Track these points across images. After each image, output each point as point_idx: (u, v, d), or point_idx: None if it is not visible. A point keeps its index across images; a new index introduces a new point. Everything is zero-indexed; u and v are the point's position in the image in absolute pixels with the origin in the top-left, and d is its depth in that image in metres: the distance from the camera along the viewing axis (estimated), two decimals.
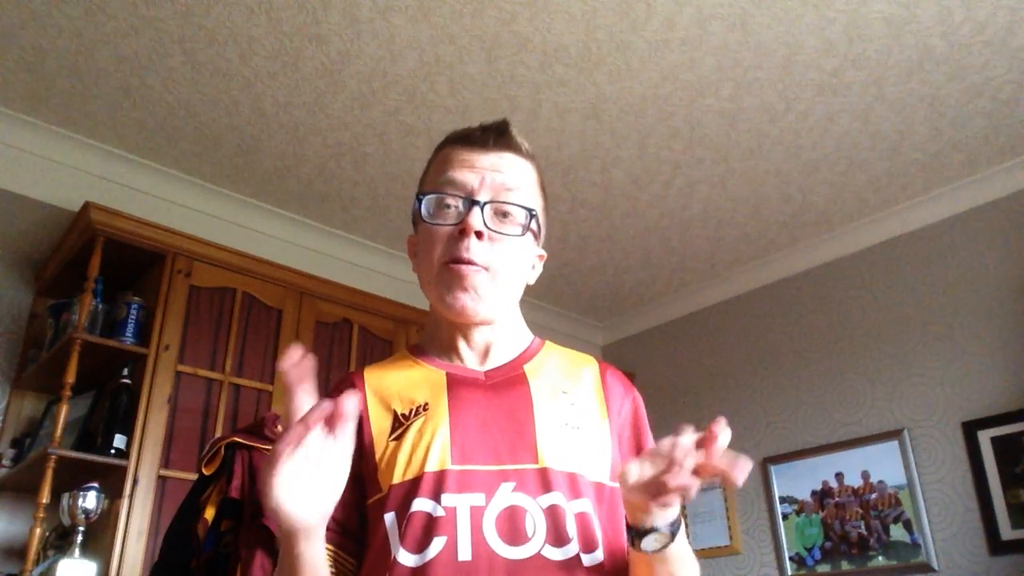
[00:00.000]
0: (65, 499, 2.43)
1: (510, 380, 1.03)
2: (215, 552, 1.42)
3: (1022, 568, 2.80)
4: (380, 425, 0.99)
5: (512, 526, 0.91)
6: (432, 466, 0.93)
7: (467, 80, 2.65)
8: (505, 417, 0.99)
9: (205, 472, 1.51)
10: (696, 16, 2.41)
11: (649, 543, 0.87)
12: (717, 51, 2.54)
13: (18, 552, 2.64)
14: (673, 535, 0.87)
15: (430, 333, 1.10)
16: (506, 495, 0.93)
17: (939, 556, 3.02)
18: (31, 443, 2.74)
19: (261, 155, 3.02)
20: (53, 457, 2.40)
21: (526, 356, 1.08)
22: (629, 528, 0.89)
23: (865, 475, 3.28)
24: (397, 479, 0.94)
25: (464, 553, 0.89)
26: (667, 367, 4.17)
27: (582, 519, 0.95)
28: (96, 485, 2.44)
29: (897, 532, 3.15)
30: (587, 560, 0.93)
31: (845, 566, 3.25)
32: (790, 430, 3.58)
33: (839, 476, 3.36)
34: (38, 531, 2.39)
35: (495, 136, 1.05)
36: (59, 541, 2.58)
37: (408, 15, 2.39)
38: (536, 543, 0.91)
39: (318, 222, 3.47)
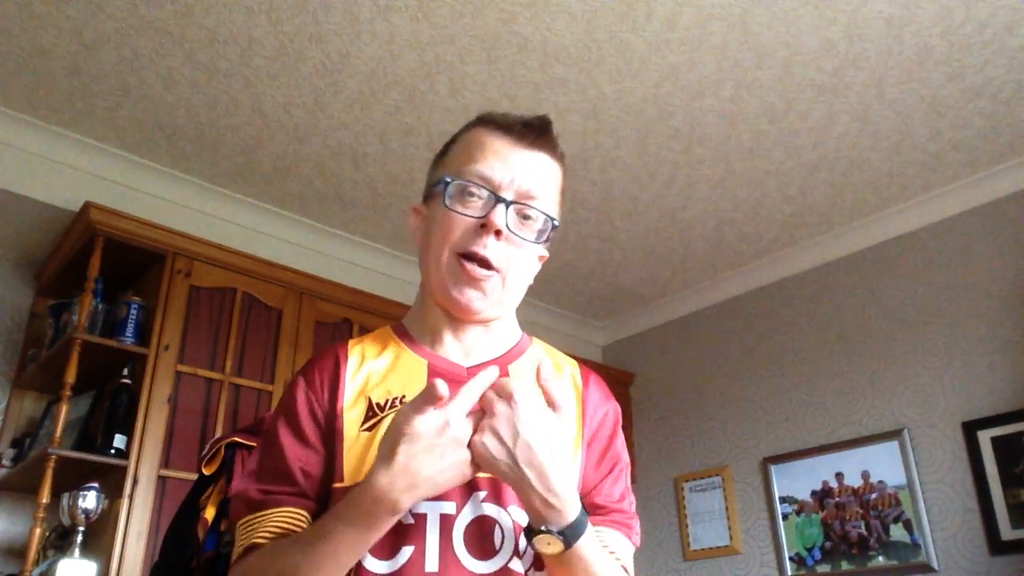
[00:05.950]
0: (65, 499, 2.43)
1: None
2: (215, 552, 1.42)
3: (1022, 568, 2.80)
4: (353, 410, 0.96)
5: (481, 538, 0.90)
6: None
7: (467, 80, 2.65)
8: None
9: (205, 472, 1.50)
10: (696, 16, 2.41)
11: (539, 544, 0.84)
12: (717, 51, 2.54)
13: (18, 552, 2.64)
14: (568, 542, 0.83)
15: (416, 315, 1.07)
16: (476, 505, 0.91)
17: (939, 556, 3.02)
18: (31, 443, 2.74)
19: (261, 155, 3.02)
20: (53, 457, 2.40)
21: (512, 355, 1.05)
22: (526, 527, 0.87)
23: (865, 475, 3.28)
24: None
25: (431, 564, 0.87)
26: (667, 367, 4.17)
27: None
28: (96, 485, 2.44)
29: (897, 532, 3.15)
30: None
31: (845, 566, 3.25)
32: (790, 430, 3.58)
33: (839, 476, 3.36)
34: (38, 531, 2.38)
35: (535, 135, 1.02)
36: (59, 541, 2.58)
37: (408, 15, 2.39)
38: (504, 556, 0.89)
39: (318, 222, 3.47)
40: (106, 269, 2.72)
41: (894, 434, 3.23)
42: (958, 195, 3.25)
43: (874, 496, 3.24)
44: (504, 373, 1.02)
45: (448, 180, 1.00)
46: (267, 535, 0.90)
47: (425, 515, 0.89)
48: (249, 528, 0.92)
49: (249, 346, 2.93)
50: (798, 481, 3.48)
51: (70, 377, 2.49)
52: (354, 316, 3.24)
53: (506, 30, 2.45)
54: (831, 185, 3.24)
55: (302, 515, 0.91)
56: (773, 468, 3.57)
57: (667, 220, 3.48)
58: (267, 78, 2.64)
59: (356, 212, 3.39)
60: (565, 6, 2.36)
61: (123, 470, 2.50)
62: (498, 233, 0.96)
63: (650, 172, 3.15)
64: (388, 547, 0.88)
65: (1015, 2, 2.37)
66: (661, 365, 4.20)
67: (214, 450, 1.51)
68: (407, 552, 0.88)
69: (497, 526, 0.91)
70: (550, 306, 4.25)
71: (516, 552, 0.90)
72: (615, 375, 4.19)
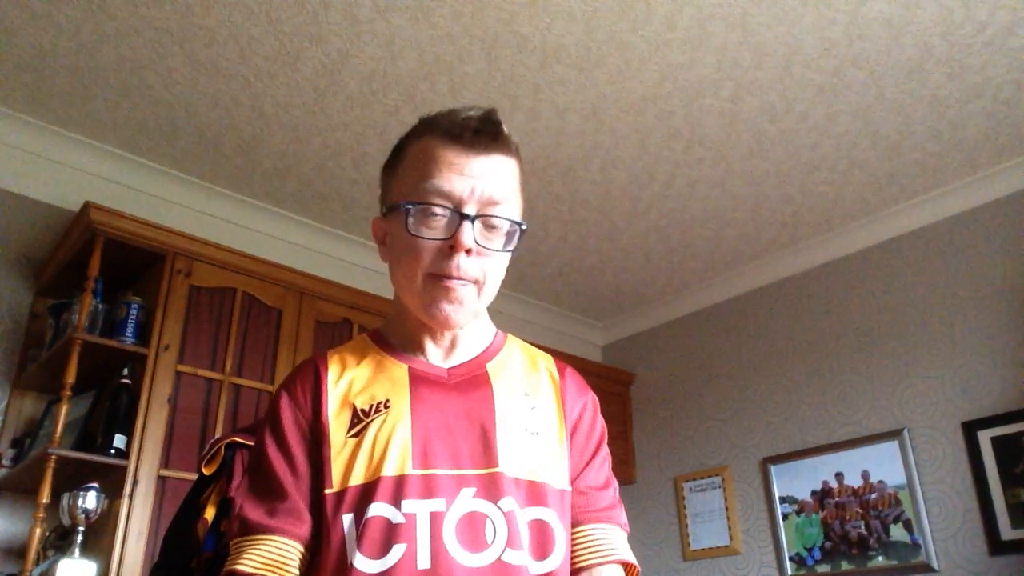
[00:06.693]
0: (65, 499, 2.43)
1: (473, 380, 1.02)
2: (215, 552, 1.42)
3: (1022, 568, 2.80)
4: (338, 417, 0.98)
5: (472, 533, 0.91)
6: (392, 469, 0.92)
7: (467, 80, 2.65)
8: (467, 419, 0.98)
9: (205, 472, 1.50)
10: (696, 16, 2.41)
11: None
12: (717, 51, 2.54)
13: (18, 552, 2.64)
14: None
15: (393, 325, 1.08)
16: (466, 501, 0.92)
17: (939, 556, 3.02)
18: (31, 443, 2.74)
19: (261, 155, 3.02)
20: (53, 457, 2.40)
21: (489, 353, 1.07)
22: None
23: (865, 475, 3.28)
24: (356, 481, 0.93)
25: (423, 561, 0.88)
26: (667, 367, 4.17)
27: (538, 526, 0.95)
28: (96, 485, 2.44)
29: (897, 532, 3.15)
30: (536, 568, 0.92)
31: (845, 566, 3.26)
32: (790, 430, 3.58)
33: (839, 476, 3.36)
34: (38, 531, 2.39)
35: (489, 138, 0.99)
36: (59, 541, 2.58)
37: (408, 15, 2.39)
38: (496, 549, 0.90)
39: (318, 222, 3.47)
40: (106, 269, 2.72)
41: (894, 434, 3.23)
42: (958, 195, 3.25)
43: (874, 496, 3.24)
44: (483, 372, 1.04)
45: (408, 207, 0.97)
46: (254, 564, 0.92)
47: (415, 514, 0.90)
48: (238, 549, 0.94)
49: (249, 346, 2.93)
50: (798, 481, 3.48)
51: (70, 377, 2.49)
52: (354, 316, 3.24)
53: (506, 30, 2.45)
54: (831, 185, 3.24)
55: (293, 547, 0.93)
56: (773, 468, 3.57)
57: (667, 220, 3.48)
58: (267, 78, 2.64)
59: (356, 212, 3.39)
60: (565, 6, 2.36)
61: (123, 470, 2.50)
62: (468, 251, 0.96)
63: (650, 172, 3.15)
64: (379, 546, 0.89)
65: (1015, 2, 2.37)
66: (661, 365, 4.20)
67: (214, 450, 1.50)
68: (399, 550, 0.88)
69: (488, 520, 0.92)
70: (550, 306, 4.25)
71: (510, 544, 0.91)
72: (615, 375, 4.19)
